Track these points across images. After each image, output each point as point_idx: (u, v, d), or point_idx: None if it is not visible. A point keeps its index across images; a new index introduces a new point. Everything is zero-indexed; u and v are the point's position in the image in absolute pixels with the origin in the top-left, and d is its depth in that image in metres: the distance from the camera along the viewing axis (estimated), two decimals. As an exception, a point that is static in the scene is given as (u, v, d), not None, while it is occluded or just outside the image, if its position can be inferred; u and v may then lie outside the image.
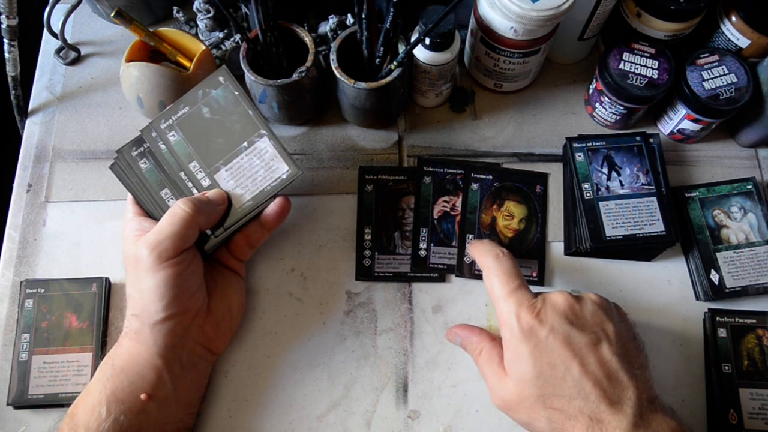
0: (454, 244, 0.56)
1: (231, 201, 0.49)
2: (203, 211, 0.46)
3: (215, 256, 0.52)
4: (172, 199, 0.49)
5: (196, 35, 0.59)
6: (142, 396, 0.44)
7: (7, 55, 0.60)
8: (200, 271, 0.47)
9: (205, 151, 0.50)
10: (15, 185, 0.58)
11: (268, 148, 0.50)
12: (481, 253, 0.47)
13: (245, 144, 0.50)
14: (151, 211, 0.50)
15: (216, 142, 0.50)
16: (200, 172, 0.49)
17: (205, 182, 0.50)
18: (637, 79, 0.55)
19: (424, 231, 0.56)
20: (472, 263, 0.55)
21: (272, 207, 0.50)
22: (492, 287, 0.45)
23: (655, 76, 0.55)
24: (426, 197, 0.57)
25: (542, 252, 0.56)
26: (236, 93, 0.50)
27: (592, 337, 0.42)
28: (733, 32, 0.56)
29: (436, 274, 0.55)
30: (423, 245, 0.55)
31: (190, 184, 0.49)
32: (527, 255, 0.56)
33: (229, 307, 0.50)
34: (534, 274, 0.55)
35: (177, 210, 0.45)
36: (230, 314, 0.51)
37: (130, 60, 0.54)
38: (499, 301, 0.44)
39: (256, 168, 0.50)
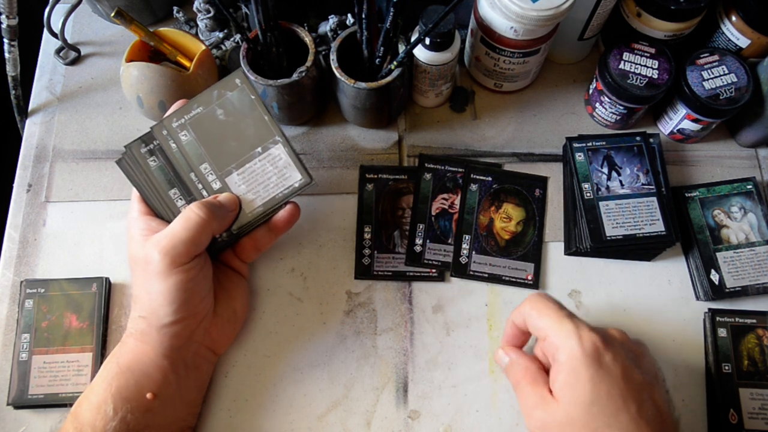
0: (450, 241, 0.56)
1: (241, 206, 0.49)
2: (217, 217, 0.46)
3: (220, 257, 0.51)
4: (180, 199, 0.48)
5: (196, 35, 0.59)
6: (148, 395, 0.43)
7: (7, 55, 0.60)
8: (210, 275, 0.47)
9: (217, 154, 0.48)
10: (15, 185, 0.58)
11: (282, 155, 0.49)
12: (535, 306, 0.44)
13: (259, 149, 0.49)
14: (158, 209, 0.49)
15: (229, 145, 0.48)
16: (211, 174, 0.48)
17: (216, 185, 0.49)
18: (637, 79, 0.55)
19: (420, 227, 0.56)
20: (468, 264, 0.55)
21: (282, 213, 0.50)
22: (542, 315, 0.42)
23: (655, 76, 0.55)
24: (425, 194, 0.57)
25: (538, 255, 0.56)
26: (252, 97, 0.48)
27: (648, 377, 0.41)
28: (733, 32, 0.56)
29: (433, 271, 0.55)
30: (419, 241, 0.56)
31: (200, 186, 0.48)
32: (523, 258, 0.56)
33: (234, 309, 0.50)
34: (529, 278, 0.55)
35: (191, 215, 0.44)
36: (234, 316, 0.51)
37: (130, 60, 0.54)
38: (554, 326, 0.41)
39: (268, 174, 0.49)
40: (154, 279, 0.43)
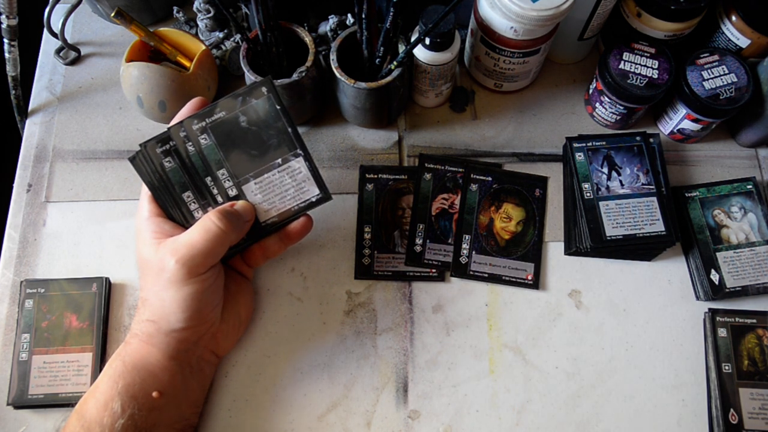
0: (450, 241, 0.56)
1: (255, 215, 0.48)
2: (235, 227, 0.45)
3: (227, 261, 0.51)
4: (194, 202, 0.47)
5: (196, 35, 0.59)
6: (154, 394, 0.43)
7: (7, 55, 0.60)
8: (222, 284, 0.47)
9: (236, 161, 0.47)
10: (15, 185, 0.58)
11: (302, 168, 0.48)
12: None
13: (279, 161, 0.48)
14: (170, 211, 0.47)
15: (249, 153, 0.47)
16: (228, 180, 0.47)
17: (232, 192, 0.48)
18: (637, 78, 0.55)
19: (420, 227, 0.56)
20: (468, 264, 0.55)
21: (295, 224, 0.49)
22: None
23: (656, 76, 0.55)
24: (425, 193, 0.57)
25: (538, 255, 0.56)
26: (278, 107, 0.47)
27: None
28: (733, 32, 0.56)
29: (433, 271, 0.55)
30: (419, 241, 0.56)
31: (215, 191, 0.47)
32: (523, 258, 0.56)
33: (239, 314, 0.50)
34: (529, 278, 0.55)
35: (211, 225, 0.44)
36: (239, 320, 0.51)
37: (130, 60, 0.54)
38: None
39: (286, 187, 0.48)
40: (168, 286, 0.43)
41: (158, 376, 0.44)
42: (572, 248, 0.56)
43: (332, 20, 0.59)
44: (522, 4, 0.50)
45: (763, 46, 0.56)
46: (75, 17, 0.65)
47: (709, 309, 0.53)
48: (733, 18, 0.56)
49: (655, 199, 0.54)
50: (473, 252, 0.55)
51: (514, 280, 0.55)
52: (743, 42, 0.56)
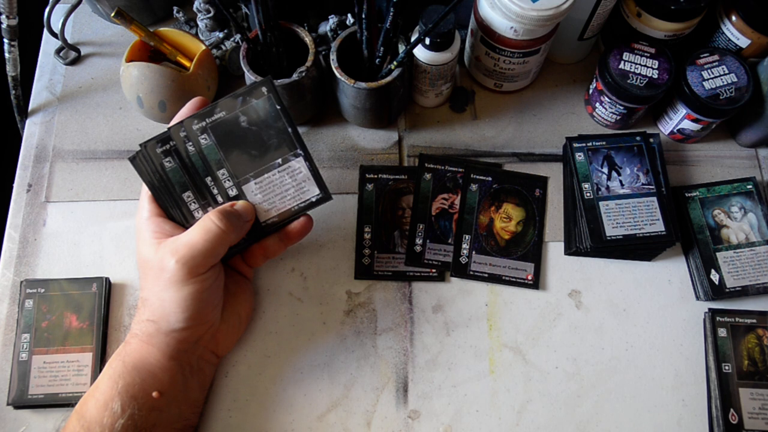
0: (450, 241, 0.56)
1: (256, 215, 0.48)
2: (236, 228, 0.45)
3: (228, 261, 0.51)
4: (194, 202, 0.47)
5: (196, 35, 0.59)
6: (154, 394, 0.43)
7: (7, 55, 0.60)
8: (223, 284, 0.47)
9: (236, 161, 0.47)
10: (15, 185, 0.58)
11: (303, 168, 0.48)
12: None
13: (279, 161, 0.48)
14: (170, 211, 0.47)
15: (249, 153, 0.47)
16: (228, 180, 0.47)
17: (232, 192, 0.48)
18: (637, 78, 0.55)
19: (420, 227, 0.56)
20: (468, 264, 0.55)
21: (295, 224, 0.49)
22: None
23: (656, 76, 0.55)
24: (425, 193, 0.57)
25: (538, 255, 0.56)
26: (278, 107, 0.47)
27: None
28: (733, 32, 0.56)
29: (433, 271, 0.55)
30: (419, 241, 0.56)
31: (215, 191, 0.47)
32: (523, 258, 0.56)
33: (239, 314, 0.50)
34: (529, 278, 0.55)
35: (211, 225, 0.44)
36: (239, 320, 0.51)
37: (130, 60, 0.54)
38: None
39: (286, 186, 0.48)
40: (169, 286, 0.43)
41: (158, 376, 0.44)
42: (572, 248, 0.56)
43: (332, 20, 0.59)
44: (522, 4, 0.50)
45: (763, 46, 0.56)
46: (75, 17, 0.65)
47: (709, 309, 0.53)
48: (733, 18, 0.56)
49: (655, 199, 0.54)
50: (473, 252, 0.55)
51: (514, 280, 0.55)
52: (743, 42, 0.56)
